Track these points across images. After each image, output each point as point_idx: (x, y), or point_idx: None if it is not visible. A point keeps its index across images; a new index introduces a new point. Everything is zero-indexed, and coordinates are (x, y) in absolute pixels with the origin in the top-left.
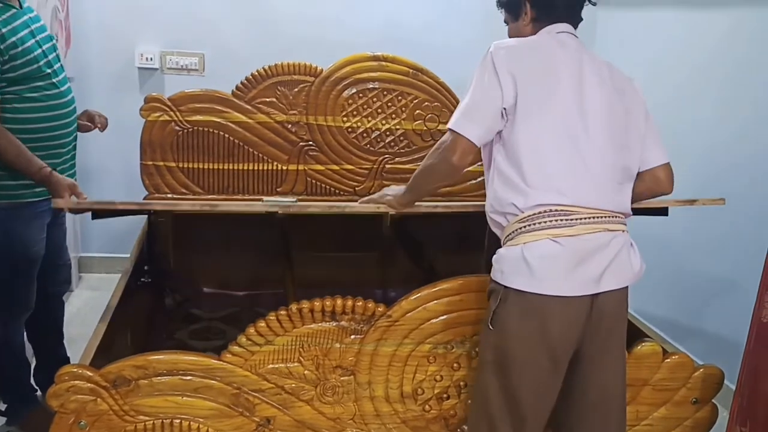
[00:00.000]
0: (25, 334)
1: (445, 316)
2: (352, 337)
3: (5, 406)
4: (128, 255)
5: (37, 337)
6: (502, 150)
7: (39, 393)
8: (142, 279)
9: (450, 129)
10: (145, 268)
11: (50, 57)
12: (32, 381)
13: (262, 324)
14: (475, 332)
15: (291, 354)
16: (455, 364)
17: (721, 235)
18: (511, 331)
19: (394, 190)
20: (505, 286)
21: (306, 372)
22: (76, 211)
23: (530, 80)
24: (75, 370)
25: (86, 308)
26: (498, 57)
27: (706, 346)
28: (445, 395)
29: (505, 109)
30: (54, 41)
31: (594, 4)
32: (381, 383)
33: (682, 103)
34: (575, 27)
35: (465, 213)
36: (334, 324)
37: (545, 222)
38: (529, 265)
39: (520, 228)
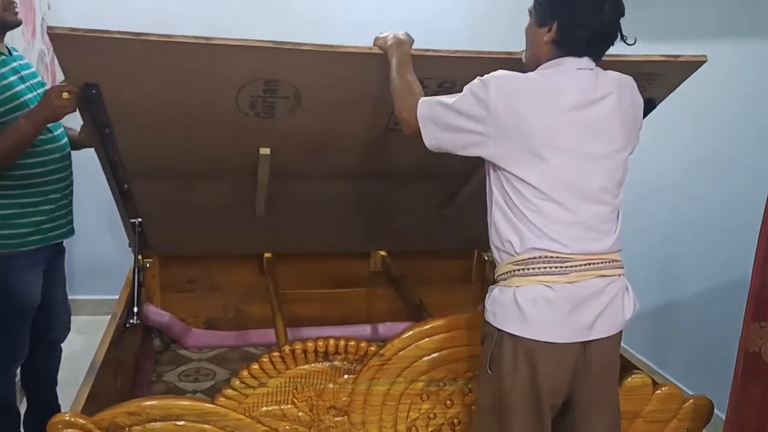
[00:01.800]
0: (19, 379)
1: (436, 354)
2: (345, 376)
3: None
4: (116, 297)
5: (31, 383)
6: (501, 186)
7: None
8: (131, 321)
9: (418, 116)
10: (134, 309)
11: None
12: (22, 429)
13: (255, 366)
14: (468, 369)
15: (285, 396)
16: (448, 401)
17: (705, 253)
18: (507, 374)
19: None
20: (499, 329)
21: (300, 414)
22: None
23: (530, 124)
24: (67, 418)
25: (74, 353)
26: (498, 90)
27: (692, 368)
28: None
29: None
30: (45, 87)
31: (630, 44)
32: (375, 423)
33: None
34: (597, 60)
35: (451, 252)
36: (327, 364)
37: (540, 268)
38: (521, 310)
39: (514, 270)
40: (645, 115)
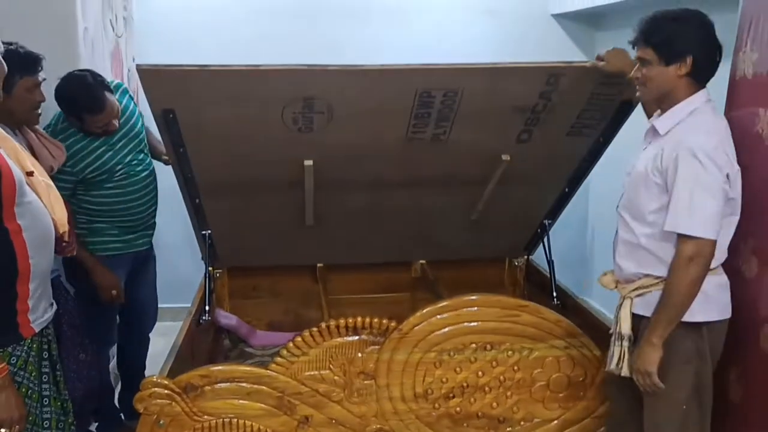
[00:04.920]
0: (114, 362)
1: (446, 329)
2: (371, 347)
3: (96, 425)
4: (190, 304)
5: (124, 367)
6: None
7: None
8: (204, 318)
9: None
10: (206, 308)
11: (126, 157)
12: (116, 404)
13: (299, 339)
14: (472, 342)
15: (323, 363)
16: (457, 368)
17: None
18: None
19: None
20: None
21: (335, 377)
22: None
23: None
24: (155, 380)
25: (157, 353)
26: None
27: None
28: (450, 395)
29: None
30: (138, 128)
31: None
32: (397, 385)
33: None
34: None
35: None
36: (357, 338)
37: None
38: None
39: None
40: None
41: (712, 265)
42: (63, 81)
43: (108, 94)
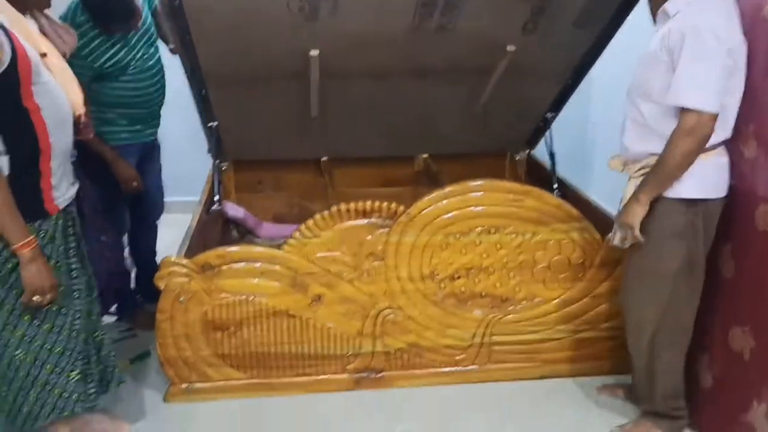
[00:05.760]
0: (127, 249)
1: (452, 213)
2: (380, 230)
3: (115, 306)
4: (198, 198)
5: (137, 253)
6: None
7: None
8: (213, 207)
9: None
10: (216, 198)
11: (139, 52)
12: (133, 285)
13: (311, 222)
14: (477, 225)
15: (334, 245)
16: (463, 251)
17: None
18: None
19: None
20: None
21: (346, 258)
22: None
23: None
24: (174, 259)
25: (167, 244)
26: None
27: None
28: (456, 275)
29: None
30: (148, 21)
31: None
32: (405, 266)
33: None
34: None
35: (487, 155)
36: (366, 221)
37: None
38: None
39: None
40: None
41: (716, 141)
42: None
43: (136, 3)
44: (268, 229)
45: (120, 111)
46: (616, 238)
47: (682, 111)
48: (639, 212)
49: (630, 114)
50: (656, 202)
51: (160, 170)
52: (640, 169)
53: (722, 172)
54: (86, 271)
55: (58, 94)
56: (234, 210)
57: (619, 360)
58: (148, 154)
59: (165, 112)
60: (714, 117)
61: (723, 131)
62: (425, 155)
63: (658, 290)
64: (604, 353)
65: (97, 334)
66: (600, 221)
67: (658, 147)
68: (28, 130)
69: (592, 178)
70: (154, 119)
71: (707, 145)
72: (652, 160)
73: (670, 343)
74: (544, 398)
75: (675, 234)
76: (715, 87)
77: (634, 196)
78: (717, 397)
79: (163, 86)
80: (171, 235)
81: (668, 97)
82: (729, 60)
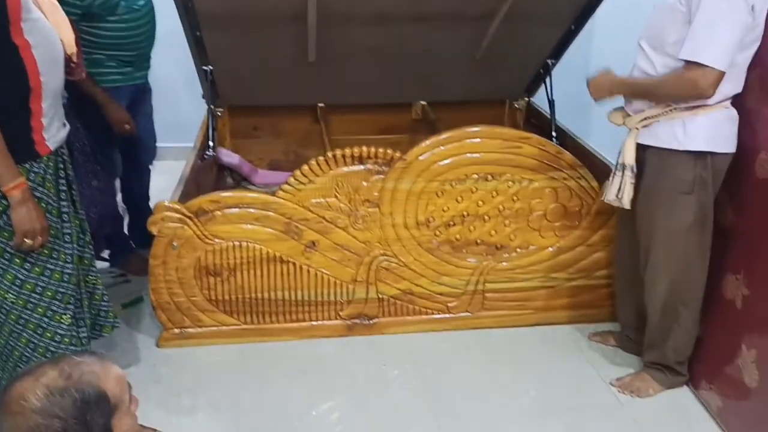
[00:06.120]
0: (120, 196)
1: (449, 160)
2: (376, 177)
3: (108, 252)
4: (192, 144)
5: (130, 198)
6: None
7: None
8: (208, 153)
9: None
10: (210, 144)
11: None
12: (126, 232)
13: (305, 167)
14: (474, 172)
15: (329, 191)
16: (458, 198)
17: None
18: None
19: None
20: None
21: (341, 205)
22: None
23: None
24: (167, 204)
25: (160, 189)
26: None
27: None
28: (451, 223)
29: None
30: None
31: None
32: (400, 213)
33: None
34: None
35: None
36: (362, 167)
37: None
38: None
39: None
40: None
41: (727, 94)
42: None
43: None
44: (263, 176)
45: (109, 52)
46: (619, 199)
47: (693, 63)
48: (606, 87)
49: (639, 64)
50: (665, 157)
51: (151, 114)
52: (643, 119)
53: (732, 126)
54: (78, 215)
55: (49, 32)
56: (229, 157)
57: (613, 308)
58: (140, 98)
59: (158, 54)
60: (721, 75)
61: (735, 84)
62: (423, 102)
63: (672, 246)
64: (598, 301)
65: (89, 278)
66: (598, 169)
67: None
68: (18, 68)
69: (591, 126)
70: (144, 61)
71: (720, 98)
72: (656, 111)
73: (686, 299)
74: (536, 345)
75: (686, 190)
76: (729, 45)
77: (615, 78)
78: (707, 343)
79: (153, 27)
80: (165, 181)
81: (682, 51)
82: (749, 17)
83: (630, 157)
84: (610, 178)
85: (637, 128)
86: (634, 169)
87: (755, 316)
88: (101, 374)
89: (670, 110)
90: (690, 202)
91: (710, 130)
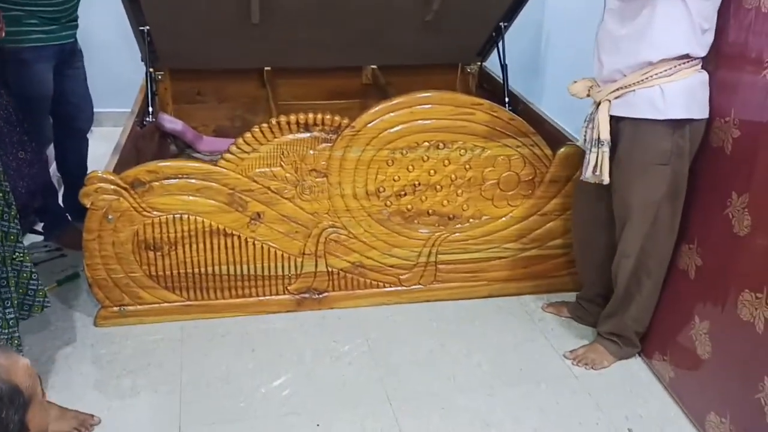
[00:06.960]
0: (55, 166)
1: (399, 127)
2: (323, 145)
3: (42, 225)
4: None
5: (65, 168)
6: None
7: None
8: (147, 120)
9: None
10: (149, 110)
11: None
12: (61, 204)
13: (248, 135)
14: (425, 140)
15: (274, 160)
16: (410, 167)
17: None
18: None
19: None
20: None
21: (287, 174)
22: None
23: None
24: (100, 174)
25: (99, 156)
26: None
27: None
28: (402, 193)
29: None
30: None
31: None
32: (349, 183)
33: None
34: None
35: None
36: (308, 134)
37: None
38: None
39: None
40: None
41: (697, 55)
42: None
43: None
44: (208, 143)
45: (29, 9)
46: (598, 176)
47: None
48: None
49: (610, 26)
50: (642, 127)
51: (84, 77)
52: (615, 91)
53: (705, 91)
54: (1, 187)
55: None
56: (171, 123)
57: (566, 278)
58: (68, 59)
59: (92, 13)
60: None
61: (702, 47)
62: (374, 66)
63: (644, 217)
64: (552, 271)
65: (16, 256)
66: (551, 136)
67: (652, 54)
68: None
69: (544, 90)
70: (70, 20)
71: (692, 58)
72: (630, 79)
73: (651, 269)
74: (489, 317)
75: (662, 160)
76: None
77: None
78: (660, 314)
79: None
80: (105, 148)
81: None
82: None
83: (605, 132)
84: (586, 155)
85: (609, 100)
86: (610, 143)
87: (708, 287)
88: (9, 367)
89: (647, 77)
90: (666, 172)
91: (689, 95)
